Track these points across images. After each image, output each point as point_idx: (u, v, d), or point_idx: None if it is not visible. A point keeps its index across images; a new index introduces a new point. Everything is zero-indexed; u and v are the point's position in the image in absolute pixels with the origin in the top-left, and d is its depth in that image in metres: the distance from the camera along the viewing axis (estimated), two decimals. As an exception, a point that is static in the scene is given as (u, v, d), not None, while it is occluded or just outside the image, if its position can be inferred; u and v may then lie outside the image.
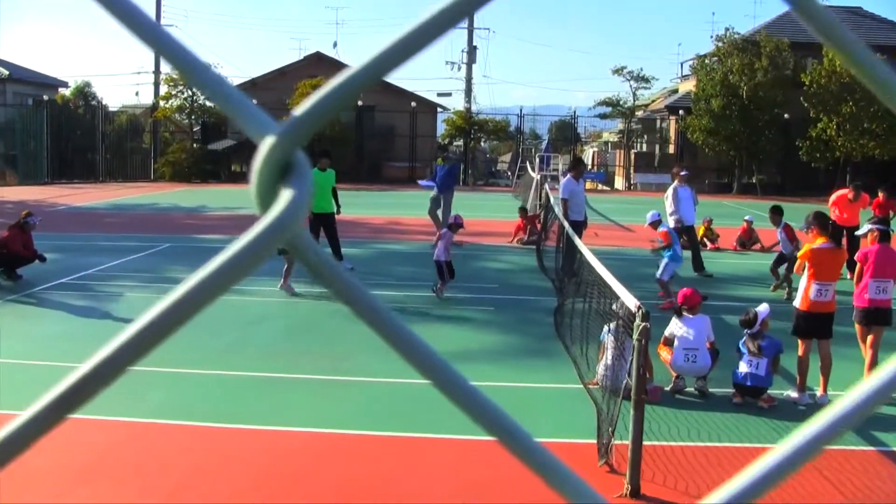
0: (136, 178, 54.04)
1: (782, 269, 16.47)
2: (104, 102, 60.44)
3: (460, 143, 58.85)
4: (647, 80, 57.83)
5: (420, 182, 23.52)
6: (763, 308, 10.07)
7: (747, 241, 22.98)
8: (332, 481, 7.48)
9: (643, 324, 7.34)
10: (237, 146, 55.52)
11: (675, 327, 10.19)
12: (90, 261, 18.62)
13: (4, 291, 15.28)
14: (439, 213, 22.65)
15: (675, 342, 10.08)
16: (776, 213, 16.55)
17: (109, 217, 30.16)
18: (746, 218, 23.59)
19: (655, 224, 15.41)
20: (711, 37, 50.44)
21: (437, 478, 7.62)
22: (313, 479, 7.55)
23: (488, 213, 29.72)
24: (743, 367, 9.67)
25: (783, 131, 46.62)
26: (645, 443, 7.28)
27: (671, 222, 17.60)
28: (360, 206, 26.30)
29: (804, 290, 10.04)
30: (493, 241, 22.85)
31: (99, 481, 7.39)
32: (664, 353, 10.21)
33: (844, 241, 17.43)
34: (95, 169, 54.47)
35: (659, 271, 15.07)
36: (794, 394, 9.88)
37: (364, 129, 54.29)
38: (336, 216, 18.23)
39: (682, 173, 18.65)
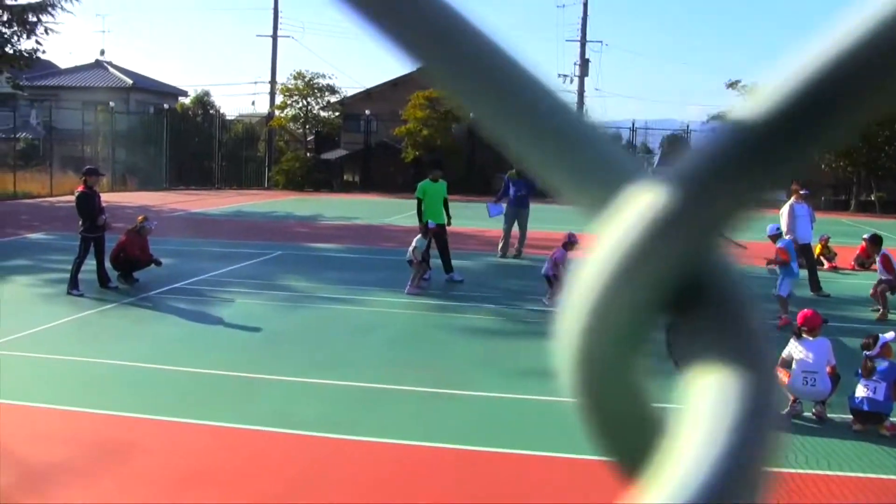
0: (251, 186, 54.88)
1: (891, 297, 15.96)
2: (221, 111, 61.63)
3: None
4: (762, 95, 56.77)
5: (490, 208, 21.83)
6: (890, 334, 9.74)
7: (866, 260, 22.26)
8: (435, 495, 7.40)
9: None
10: (349, 156, 56.08)
11: (794, 349, 9.87)
12: (204, 266, 18.88)
13: (121, 294, 15.59)
14: (515, 227, 22.18)
15: (794, 365, 9.76)
16: (873, 242, 16.20)
17: (224, 223, 30.65)
18: (865, 237, 22.86)
19: (775, 238, 15.09)
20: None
21: (547, 496, 7.46)
22: (417, 491, 7.48)
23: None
24: (860, 392, 9.31)
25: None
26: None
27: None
28: (470, 217, 26.19)
29: None
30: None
31: (205, 486, 7.42)
32: (781, 376, 9.88)
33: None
34: (212, 176, 55.50)
35: (778, 287, 14.67)
36: (918, 422, 9.47)
37: (475, 141, 54.29)
38: (447, 227, 18.21)
39: (803, 192, 18.13)
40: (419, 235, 16.73)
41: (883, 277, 16.00)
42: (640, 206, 0.47)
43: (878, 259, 16.19)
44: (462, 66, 0.52)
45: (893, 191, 47.97)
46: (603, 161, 0.52)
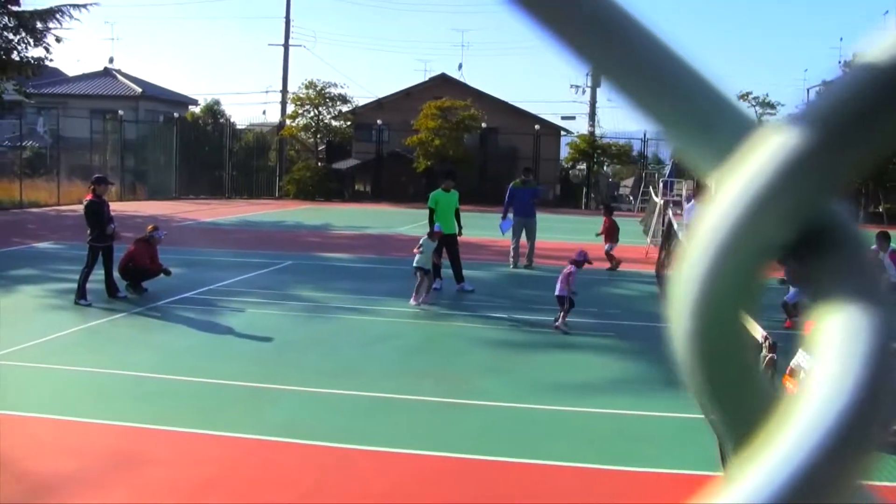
0: (261, 196, 54.92)
1: None
2: (232, 120, 61.69)
3: (583, 166, 58.50)
4: (773, 106, 56.78)
5: (502, 226, 21.48)
6: None
7: (876, 271, 22.16)
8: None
9: (769, 355, 7.04)
10: (361, 166, 56.05)
11: (802, 359, 9.75)
12: (214, 276, 18.82)
13: (130, 304, 15.50)
14: (523, 237, 21.96)
15: (802, 374, 9.65)
16: (882, 238, 16.26)
17: (234, 233, 30.62)
18: (872, 247, 22.69)
19: None
20: (839, 62, 49.16)
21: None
22: (429, 501, 7.40)
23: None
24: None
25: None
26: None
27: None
28: (482, 227, 26.14)
29: None
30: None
31: (217, 496, 7.36)
32: (790, 385, 9.78)
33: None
34: (222, 185, 55.54)
35: (787, 296, 14.75)
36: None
37: (487, 151, 54.29)
38: (458, 237, 18.16)
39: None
40: (425, 237, 16.51)
41: (893, 279, 15.91)
42: (771, 147, 0.47)
43: (886, 256, 16.16)
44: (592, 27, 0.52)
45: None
46: (726, 113, 0.52)
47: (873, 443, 0.44)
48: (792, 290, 14.83)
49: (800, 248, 0.49)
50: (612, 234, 22.54)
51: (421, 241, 16.26)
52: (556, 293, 14.68)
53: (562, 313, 14.61)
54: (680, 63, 0.52)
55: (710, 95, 0.51)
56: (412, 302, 15.79)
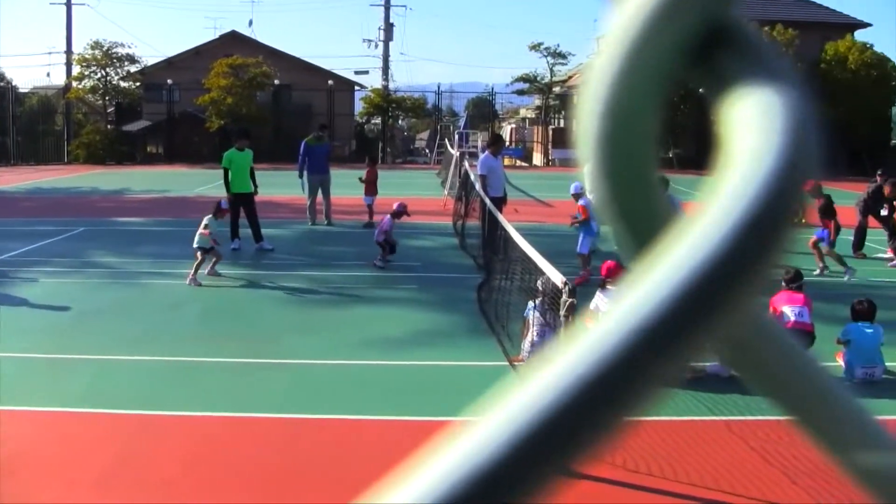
0: (49, 161, 52.85)
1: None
2: (14, 84, 59.02)
3: (378, 121, 58.66)
4: (563, 56, 58.03)
5: (303, 185, 21.18)
6: None
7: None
8: (260, 465, 7.35)
9: (570, 300, 7.32)
10: (152, 127, 54.71)
11: (600, 301, 10.18)
12: (2, 246, 18.12)
13: (-87, 280, 14.79)
14: (319, 195, 21.92)
15: (599, 315, 10.06)
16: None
17: (22, 201, 29.48)
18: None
19: (577, 196, 15.21)
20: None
21: (368, 460, 7.48)
22: (241, 463, 7.43)
23: (408, 191, 29.48)
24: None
25: (699, 104, 46.83)
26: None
27: (593, 200, 17.51)
28: (279, 185, 26.03)
29: None
30: (414, 219, 22.65)
31: (21, 474, 7.16)
32: (590, 325, 10.18)
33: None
34: (6, 152, 53.23)
35: (578, 245, 14.91)
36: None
37: (281, 108, 53.79)
38: (255, 196, 18.07)
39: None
40: (209, 216, 15.20)
41: None
42: None
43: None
44: None
45: (690, 147, 49.76)
46: None
47: (793, 216, 0.44)
48: (582, 239, 15.00)
49: (706, 46, 0.51)
50: (373, 184, 22.28)
51: (205, 221, 15.04)
52: (375, 239, 16.19)
53: (382, 254, 16.03)
54: None
55: None
56: (187, 282, 14.53)
